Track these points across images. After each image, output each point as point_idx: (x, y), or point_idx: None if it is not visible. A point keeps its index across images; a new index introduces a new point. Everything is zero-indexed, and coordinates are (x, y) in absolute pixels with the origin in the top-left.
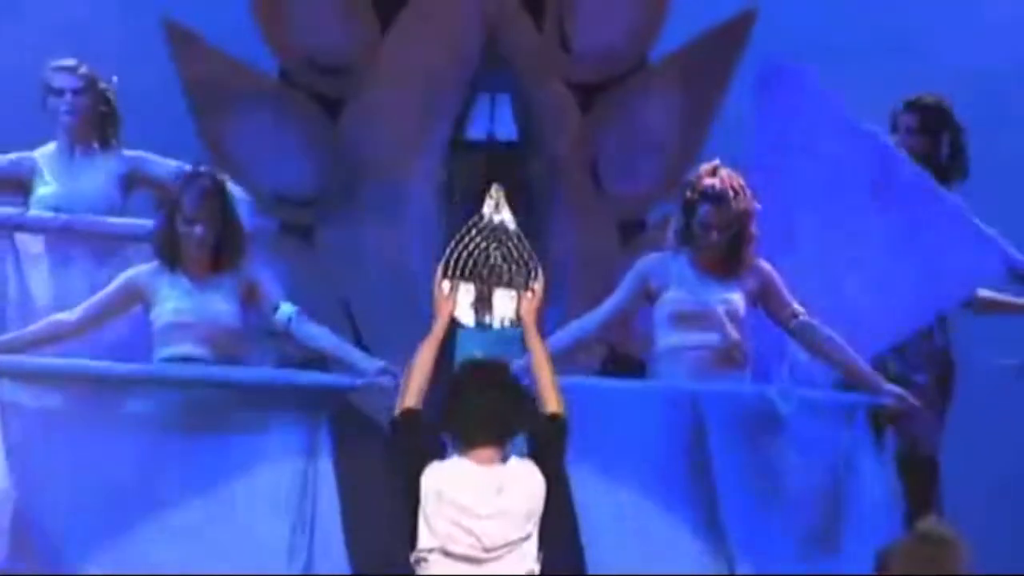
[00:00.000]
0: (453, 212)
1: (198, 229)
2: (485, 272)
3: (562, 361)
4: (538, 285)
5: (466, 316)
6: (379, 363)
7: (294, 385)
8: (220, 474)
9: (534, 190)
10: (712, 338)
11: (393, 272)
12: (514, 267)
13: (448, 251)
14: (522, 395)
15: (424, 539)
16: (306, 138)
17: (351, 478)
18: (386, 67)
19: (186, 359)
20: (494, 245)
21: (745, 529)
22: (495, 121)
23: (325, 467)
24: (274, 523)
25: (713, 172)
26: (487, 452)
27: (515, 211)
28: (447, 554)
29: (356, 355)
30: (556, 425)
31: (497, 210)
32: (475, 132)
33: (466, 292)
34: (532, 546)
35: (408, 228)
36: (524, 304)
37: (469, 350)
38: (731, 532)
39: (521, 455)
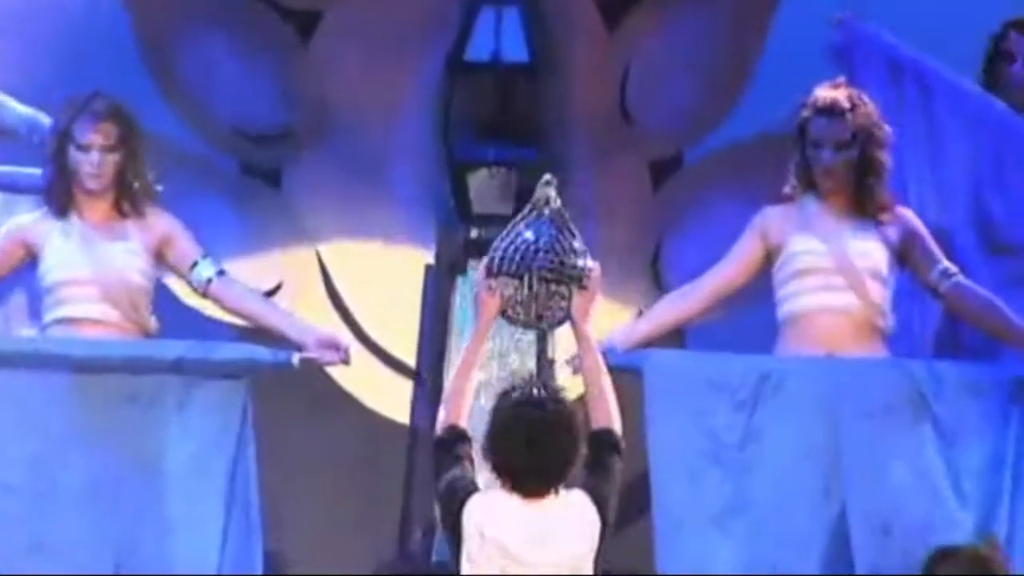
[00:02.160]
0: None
1: (94, 156)
2: (537, 266)
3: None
4: (592, 282)
5: (514, 315)
6: (321, 332)
7: (213, 362)
8: (121, 480)
9: (548, 122)
10: (849, 300)
11: (375, 221)
12: (567, 262)
13: (493, 246)
14: (579, 438)
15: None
16: (272, 63)
17: (282, 473)
18: None
19: (80, 322)
20: (544, 239)
21: (871, 548)
22: (502, 38)
23: (249, 466)
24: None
25: (834, 86)
26: (535, 490)
27: (527, 144)
28: None
29: (293, 323)
30: (606, 442)
31: (548, 202)
32: (478, 52)
33: (514, 289)
34: None
35: (394, 168)
36: (577, 302)
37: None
38: (857, 547)
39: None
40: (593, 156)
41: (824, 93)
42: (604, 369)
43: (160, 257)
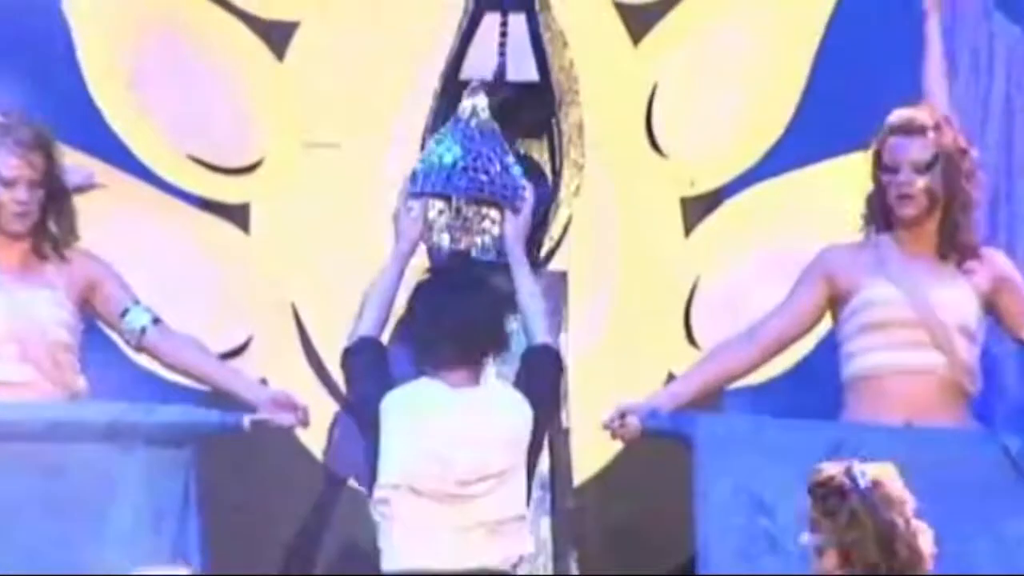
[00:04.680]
0: None
1: (20, 193)
2: (463, 186)
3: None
4: (526, 204)
5: (439, 239)
6: (272, 391)
7: (152, 426)
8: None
9: (562, 150)
10: (933, 359)
11: (358, 265)
12: (498, 181)
13: (418, 163)
14: (503, 303)
15: (386, 474)
16: (239, 80)
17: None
18: None
19: None
20: (472, 155)
21: None
22: (506, 52)
23: (190, 544)
24: None
25: (916, 108)
26: (460, 374)
27: (535, 177)
28: (414, 491)
29: (242, 380)
30: (547, 357)
31: (476, 113)
32: (477, 68)
33: (439, 211)
34: (518, 485)
35: (379, 204)
36: (509, 225)
37: None
38: None
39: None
40: (615, 191)
41: (902, 111)
42: (538, 294)
43: (86, 305)
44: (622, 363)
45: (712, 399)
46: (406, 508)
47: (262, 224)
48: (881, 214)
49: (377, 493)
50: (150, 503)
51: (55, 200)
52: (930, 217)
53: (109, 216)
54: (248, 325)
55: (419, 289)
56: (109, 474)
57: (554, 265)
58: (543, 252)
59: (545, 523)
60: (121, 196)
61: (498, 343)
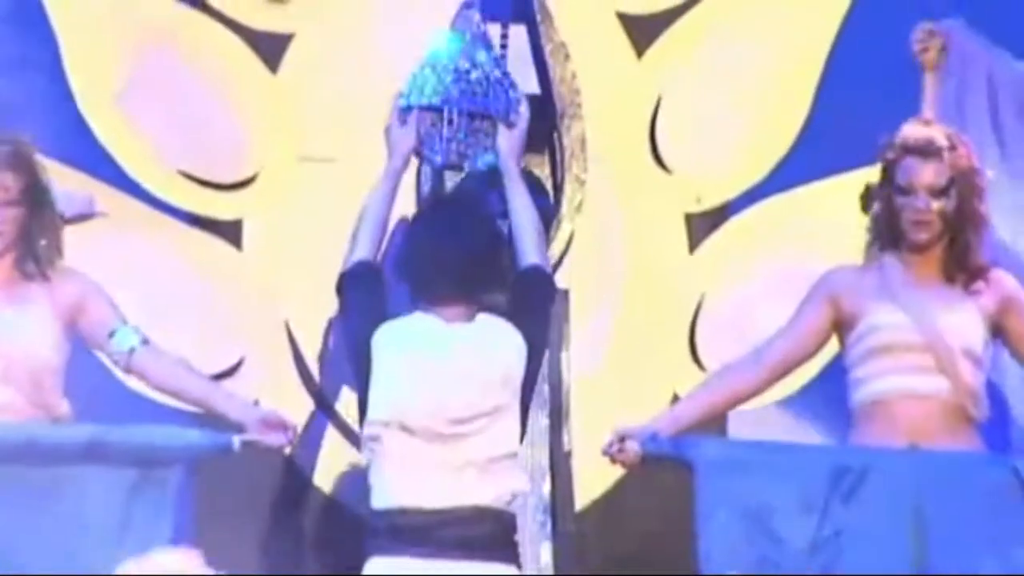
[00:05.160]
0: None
1: None
2: (456, 99)
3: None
4: (521, 117)
5: (431, 151)
6: (263, 412)
7: (135, 447)
8: None
9: (564, 164)
10: (938, 384)
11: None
12: (491, 94)
13: (409, 77)
14: (500, 239)
15: (376, 410)
16: (231, 92)
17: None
18: None
19: None
20: (465, 68)
21: None
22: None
23: None
24: None
25: (924, 123)
26: (455, 309)
27: (536, 192)
28: (406, 429)
29: (232, 401)
30: (535, 281)
31: (469, 26)
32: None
33: (431, 123)
34: (512, 422)
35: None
36: (503, 139)
37: None
38: None
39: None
40: (619, 207)
41: (916, 130)
42: (534, 209)
43: (73, 325)
44: (625, 384)
45: (717, 422)
46: (396, 445)
47: (255, 241)
48: (889, 233)
49: (367, 429)
50: (133, 525)
51: (38, 218)
52: (943, 239)
53: (96, 232)
54: (240, 345)
55: (416, 223)
56: (90, 496)
57: (556, 283)
58: None
59: (547, 548)
60: (109, 212)
61: (497, 279)
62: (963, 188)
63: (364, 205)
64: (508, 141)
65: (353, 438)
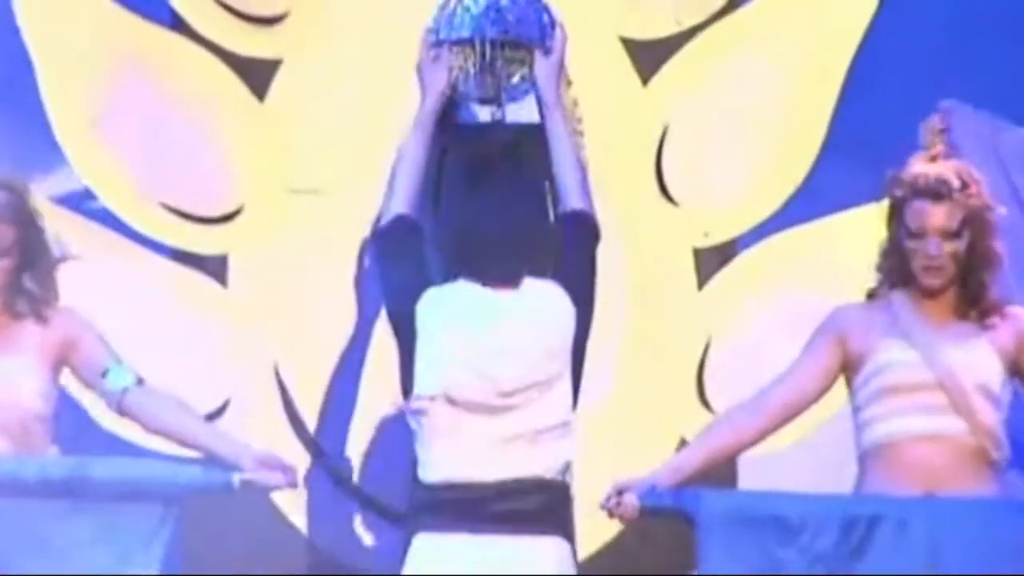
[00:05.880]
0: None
1: None
2: (488, 29)
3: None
4: (558, 43)
5: (466, 86)
6: (260, 452)
7: (124, 482)
8: None
9: None
10: (952, 424)
11: (341, 323)
12: (524, 20)
13: (436, 10)
14: (547, 213)
15: (423, 383)
16: (217, 121)
17: None
18: (336, 8)
19: None
20: None
21: None
22: (507, 92)
23: None
24: None
25: (932, 159)
26: (500, 278)
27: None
28: (453, 402)
29: (226, 442)
30: (580, 225)
31: None
32: (474, 110)
33: (464, 57)
34: (564, 390)
35: (368, 255)
36: (540, 67)
37: None
38: None
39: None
40: (623, 240)
41: (926, 169)
42: (575, 142)
43: (63, 365)
44: (630, 426)
45: (723, 471)
46: (443, 419)
47: (241, 277)
48: (899, 272)
49: (413, 404)
50: (132, 561)
51: (30, 266)
52: (955, 280)
53: (72, 268)
54: (225, 387)
55: (455, 193)
56: (74, 532)
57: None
58: None
59: None
60: (86, 246)
61: (543, 246)
62: (976, 227)
63: (400, 153)
64: (545, 69)
65: (343, 486)
